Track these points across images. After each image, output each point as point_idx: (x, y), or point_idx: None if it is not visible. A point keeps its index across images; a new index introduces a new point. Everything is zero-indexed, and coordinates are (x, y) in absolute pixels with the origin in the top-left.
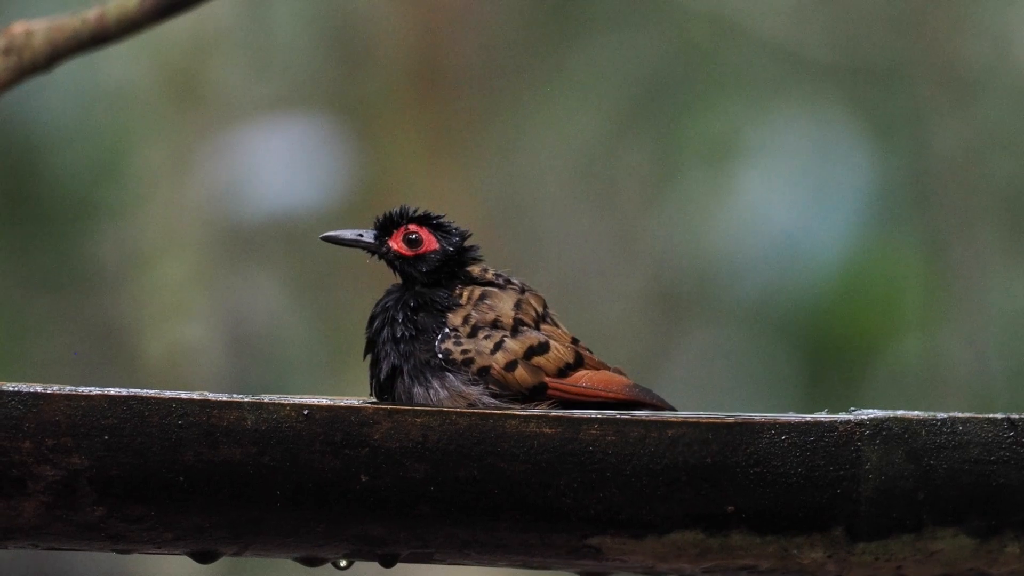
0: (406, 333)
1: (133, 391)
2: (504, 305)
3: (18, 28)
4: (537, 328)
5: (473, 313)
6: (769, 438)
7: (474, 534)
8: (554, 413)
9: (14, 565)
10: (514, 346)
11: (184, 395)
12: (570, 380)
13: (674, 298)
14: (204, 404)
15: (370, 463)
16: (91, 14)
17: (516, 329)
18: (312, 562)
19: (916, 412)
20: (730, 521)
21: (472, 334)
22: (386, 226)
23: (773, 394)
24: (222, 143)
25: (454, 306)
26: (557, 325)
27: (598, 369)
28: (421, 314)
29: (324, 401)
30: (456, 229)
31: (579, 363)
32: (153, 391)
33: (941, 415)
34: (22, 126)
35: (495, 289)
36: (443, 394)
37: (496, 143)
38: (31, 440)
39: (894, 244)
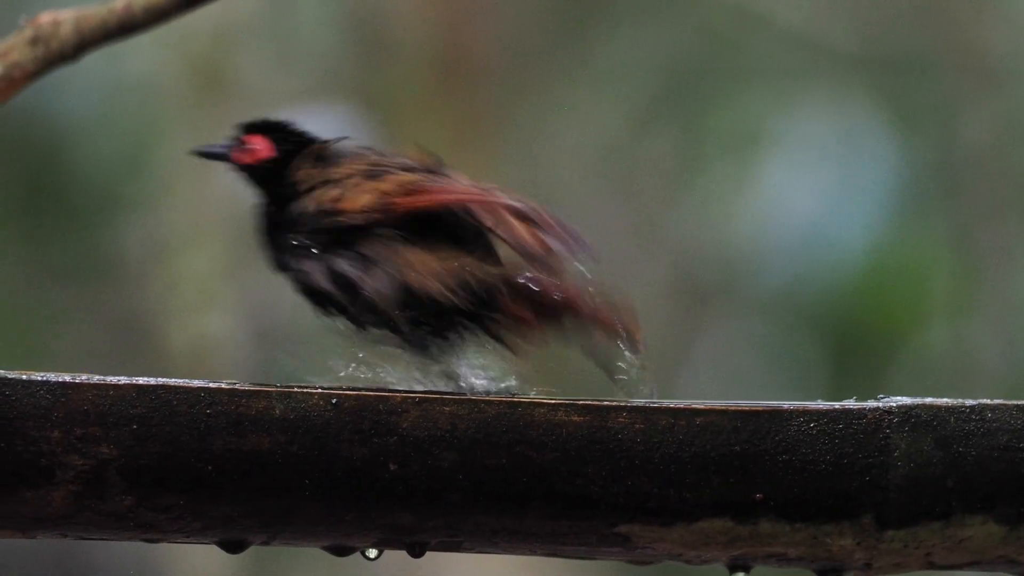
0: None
1: (161, 380)
2: (347, 164)
3: (45, 18)
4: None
5: (315, 178)
6: (798, 426)
7: (503, 522)
8: (582, 401)
9: (38, 555)
10: (357, 179)
11: (212, 384)
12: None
13: (698, 288)
14: (232, 393)
15: (398, 451)
16: (118, 3)
17: (372, 172)
18: (341, 551)
19: (945, 399)
20: (759, 509)
21: (315, 189)
22: (238, 136)
23: (798, 383)
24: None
25: (299, 180)
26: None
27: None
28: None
29: (352, 389)
30: (303, 133)
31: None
32: (181, 380)
33: (970, 402)
34: (46, 117)
35: (332, 157)
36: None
37: (519, 133)
38: (60, 429)
39: (920, 233)
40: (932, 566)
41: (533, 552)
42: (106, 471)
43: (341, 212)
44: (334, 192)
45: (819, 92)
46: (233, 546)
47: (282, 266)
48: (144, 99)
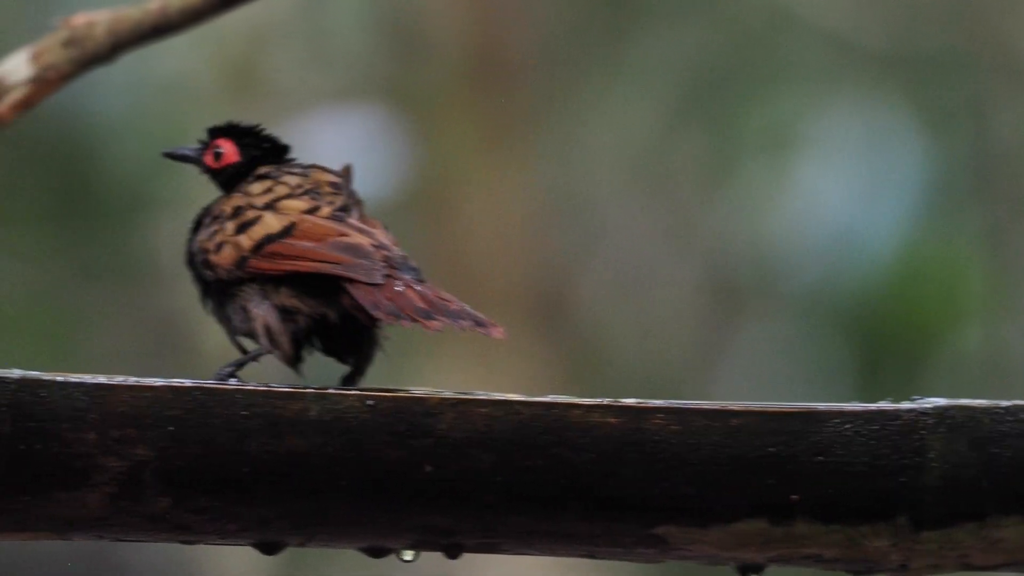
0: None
1: (198, 382)
2: (249, 191)
3: (80, 19)
4: (272, 206)
5: (212, 209)
6: (833, 427)
7: (539, 524)
8: (618, 403)
9: (70, 557)
10: (229, 227)
11: (248, 386)
12: (267, 250)
13: (730, 289)
14: (268, 395)
15: (435, 453)
16: (153, 4)
17: (237, 213)
18: (377, 553)
19: (980, 400)
20: (795, 510)
21: (208, 227)
22: (208, 140)
23: (830, 384)
24: (278, 134)
25: (213, 211)
26: (337, 196)
27: (315, 236)
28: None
29: (388, 391)
30: (270, 138)
31: (287, 232)
32: (217, 382)
33: (1005, 403)
34: (79, 118)
35: (255, 182)
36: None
37: (552, 134)
38: (96, 431)
39: (952, 232)
40: (967, 567)
41: (569, 554)
42: (142, 473)
43: (211, 265)
44: (214, 239)
45: (851, 92)
46: (269, 548)
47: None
48: (177, 100)
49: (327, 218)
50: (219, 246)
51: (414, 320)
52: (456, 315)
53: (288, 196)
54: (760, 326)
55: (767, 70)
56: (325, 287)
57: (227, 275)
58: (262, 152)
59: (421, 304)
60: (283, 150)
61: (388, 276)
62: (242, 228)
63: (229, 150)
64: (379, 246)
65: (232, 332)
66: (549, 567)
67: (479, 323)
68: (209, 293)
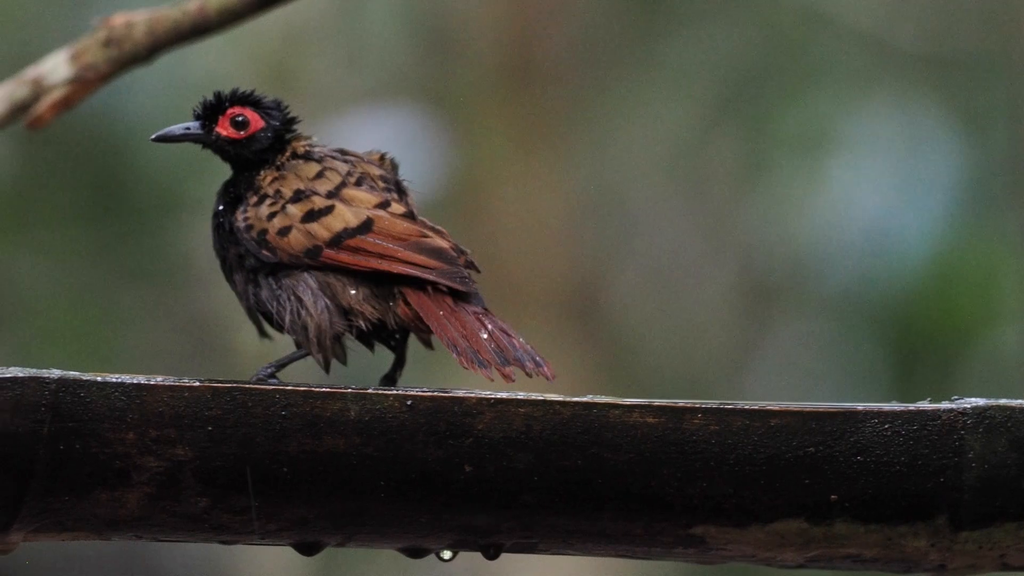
0: (224, 225)
1: (236, 382)
2: (300, 173)
3: (119, 19)
4: (337, 194)
5: (268, 186)
6: (872, 427)
7: (578, 524)
8: (657, 403)
9: (107, 556)
10: (293, 211)
11: (287, 386)
12: (348, 244)
13: (765, 289)
14: (307, 395)
15: (474, 453)
16: (192, 5)
17: (299, 196)
18: (416, 553)
19: (1019, 400)
20: (833, 510)
21: (258, 203)
22: (210, 113)
23: (865, 384)
24: (314, 135)
25: (257, 184)
26: (390, 191)
27: (396, 234)
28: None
29: (427, 391)
30: (276, 103)
31: (366, 227)
32: (256, 382)
33: None
34: (114, 119)
35: (299, 161)
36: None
37: (587, 135)
38: (135, 431)
39: (987, 232)
40: (1006, 567)
41: (607, 553)
42: (181, 473)
43: (271, 247)
44: (274, 221)
45: (886, 92)
46: (308, 548)
47: (220, 253)
48: None
49: (401, 216)
50: (285, 230)
51: (494, 368)
52: (520, 358)
53: (345, 185)
54: (794, 326)
55: (802, 71)
56: (391, 291)
57: (289, 260)
58: (283, 121)
59: (492, 347)
60: (291, 121)
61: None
62: (311, 216)
63: (253, 117)
64: (458, 249)
65: (257, 308)
66: (582, 566)
67: (537, 363)
68: (243, 269)
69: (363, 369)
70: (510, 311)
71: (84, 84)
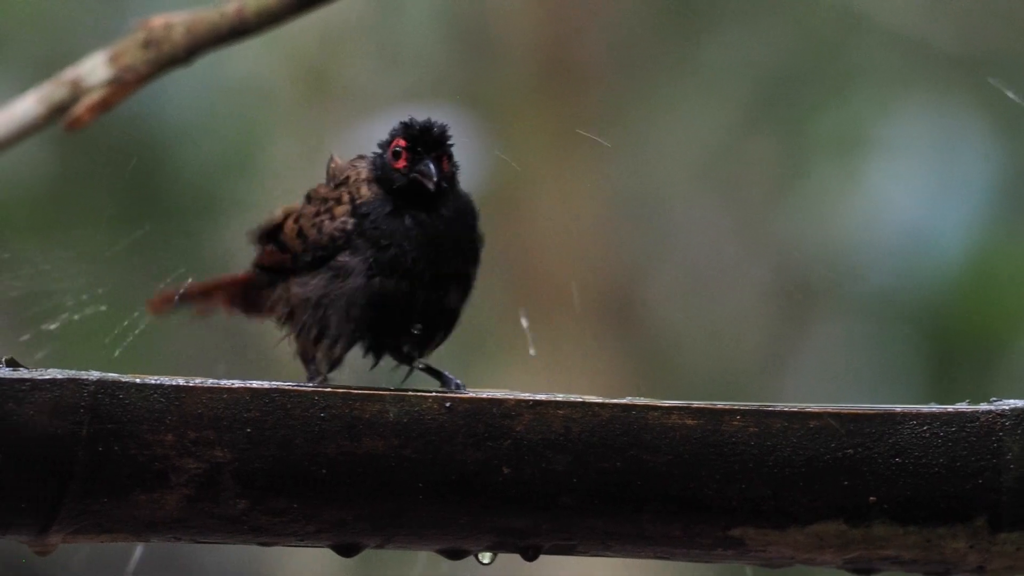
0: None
1: (275, 384)
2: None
3: (158, 21)
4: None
5: None
6: (910, 429)
7: (617, 526)
8: (696, 404)
9: (144, 558)
10: None
11: (326, 387)
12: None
13: (802, 290)
14: (346, 397)
15: (512, 455)
16: (231, 7)
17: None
18: (455, 554)
19: None
20: (872, 512)
21: None
22: (429, 148)
23: (903, 386)
24: (352, 137)
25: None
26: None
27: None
28: None
29: (466, 393)
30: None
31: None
32: (294, 384)
33: None
34: (151, 120)
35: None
36: None
37: (624, 136)
38: (173, 433)
39: None
40: None
41: (646, 555)
42: (220, 474)
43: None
44: None
45: (922, 94)
46: (347, 550)
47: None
48: (250, 101)
49: None
50: None
51: None
52: None
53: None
54: (831, 328)
55: (838, 72)
56: None
57: None
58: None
59: None
60: None
61: None
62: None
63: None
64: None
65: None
66: (617, 568)
67: None
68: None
69: (400, 373)
70: (547, 311)
71: (122, 85)
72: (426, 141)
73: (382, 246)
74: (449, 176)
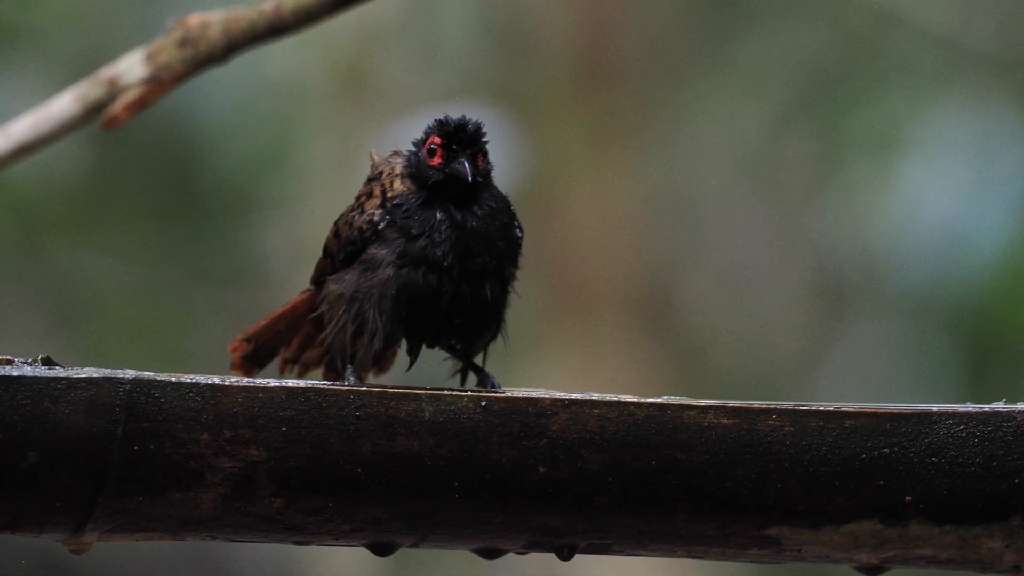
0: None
1: (311, 383)
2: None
3: (194, 19)
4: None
5: None
6: (946, 428)
7: (652, 525)
8: (731, 404)
9: (173, 558)
10: None
11: (362, 387)
12: None
13: (837, 290)
14: (382, 396)
15: (548, 454)
16: (268, 5)
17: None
18: (490, 554)
19: None
20: (908, 511)
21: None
22: (464, 145)
23: (938, 385)
24: (388, 135)
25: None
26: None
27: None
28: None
29: (501, 392)
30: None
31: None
32: (330, 383)
33: None
34: (187, 119)
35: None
36: None
37: (659, 134)
38: (209, 432)
39: None
40: None
41: (681, 554)
42: (255, 473)
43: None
44: None
45: (959, 93)
46: (382, 548)
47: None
48: (285, 100)
49: None
50: None
51: None
52: None
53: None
54: (867, 327)
55: (875, 71)
56: None
57: None
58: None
59: None
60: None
61: None
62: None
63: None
64: None
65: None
66: (653, 567)
67: None
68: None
69: (437, 370)
70: (582, 310)
71: (159, 84)
72: (461, 138)
73: (412, 236)
74: (484, 173)
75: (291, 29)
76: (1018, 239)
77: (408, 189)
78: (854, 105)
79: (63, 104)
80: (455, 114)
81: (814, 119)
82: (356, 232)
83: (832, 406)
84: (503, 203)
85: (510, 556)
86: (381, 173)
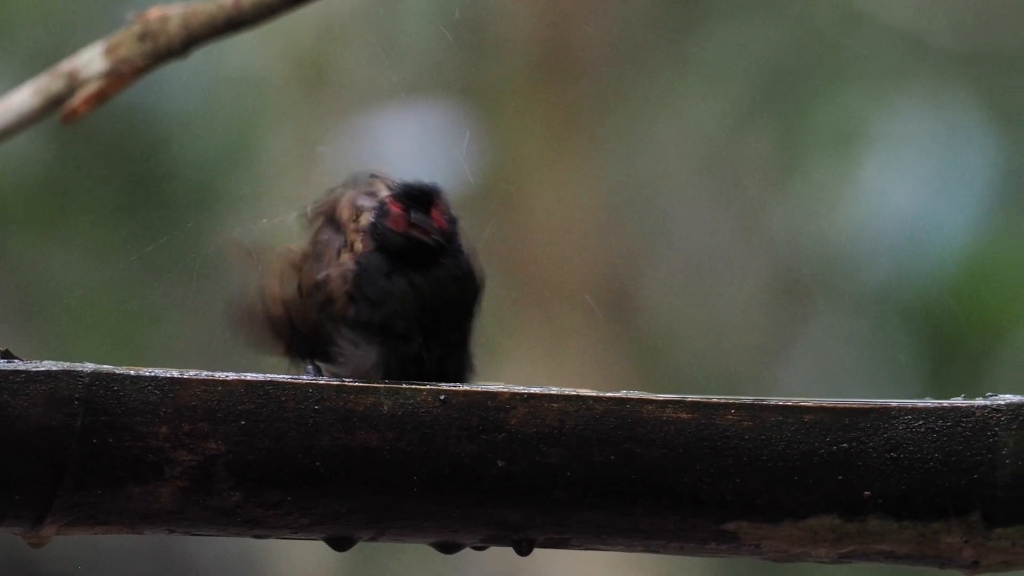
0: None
1: (270, 376)
2: None
3: (154, 13)
4: None
5: None
6: (906, 424)
7: (611, 519)
8: (690, 398)
9: (134, 552)
10: None
11: (321, 380)
12: None
13: (798, 285)
14: (341, 389)
15: (506, 448)
16: None
17: None
18: (448, 548)
19: None
20: (867, 506)
21: None
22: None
23: (898, 380)
24: (349, 129)
25: None
26: None
27: None
28: None
29: (461, 386)
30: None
31: None
32: (289, 376)
33: None
34: (148, 112)
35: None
36: None
37: (620, 129)
38: (168, 425)
39: (1022, 229)
40: None
41: (641, 549)
42: (214, 467)
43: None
44: None
45: (920, 89)
46: (340, 543)
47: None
48: (247, 94)
49: None
50: None
51: None
52: None
53: None
54: (827, 322)
55: (836, 66)
56: None
57: None
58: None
59: None
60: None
61: None
62: None
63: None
64: None
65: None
66: (611, 563)
67: None
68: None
69: None
70: (543, 304)
71: (119, 78)
72: (420, 201)
73: (374, 304)
74: (446, 233)
75: (251, 23)
76: (978, 235)
77: (369, 250)
78: (815, 100)
79: (22, 98)
80: (409, 178)
81: (775, 114)
82: (326, 313)
83: (791, 401)
84: (466, 263)
85: (468, 552)
86: (342, 217)
